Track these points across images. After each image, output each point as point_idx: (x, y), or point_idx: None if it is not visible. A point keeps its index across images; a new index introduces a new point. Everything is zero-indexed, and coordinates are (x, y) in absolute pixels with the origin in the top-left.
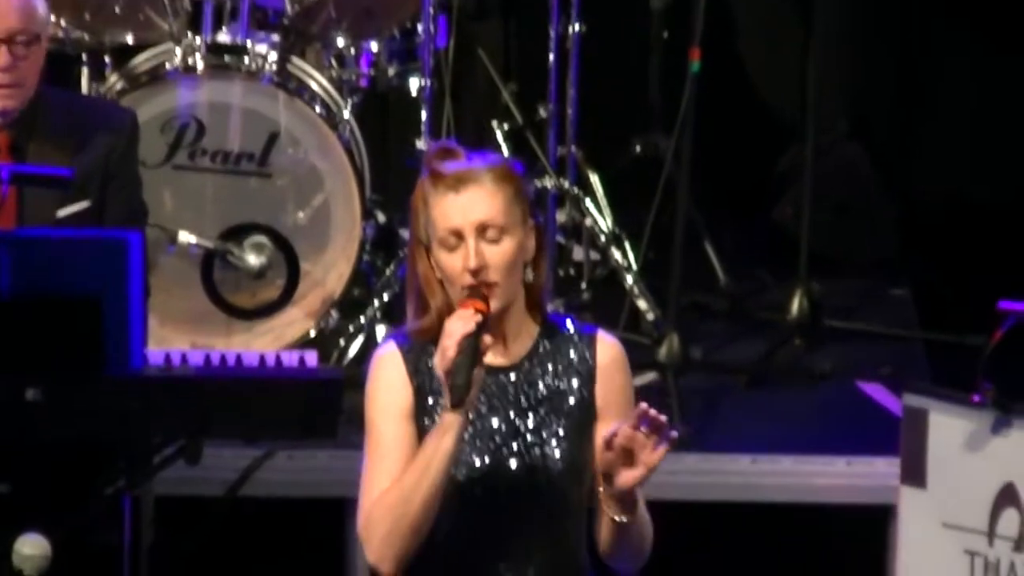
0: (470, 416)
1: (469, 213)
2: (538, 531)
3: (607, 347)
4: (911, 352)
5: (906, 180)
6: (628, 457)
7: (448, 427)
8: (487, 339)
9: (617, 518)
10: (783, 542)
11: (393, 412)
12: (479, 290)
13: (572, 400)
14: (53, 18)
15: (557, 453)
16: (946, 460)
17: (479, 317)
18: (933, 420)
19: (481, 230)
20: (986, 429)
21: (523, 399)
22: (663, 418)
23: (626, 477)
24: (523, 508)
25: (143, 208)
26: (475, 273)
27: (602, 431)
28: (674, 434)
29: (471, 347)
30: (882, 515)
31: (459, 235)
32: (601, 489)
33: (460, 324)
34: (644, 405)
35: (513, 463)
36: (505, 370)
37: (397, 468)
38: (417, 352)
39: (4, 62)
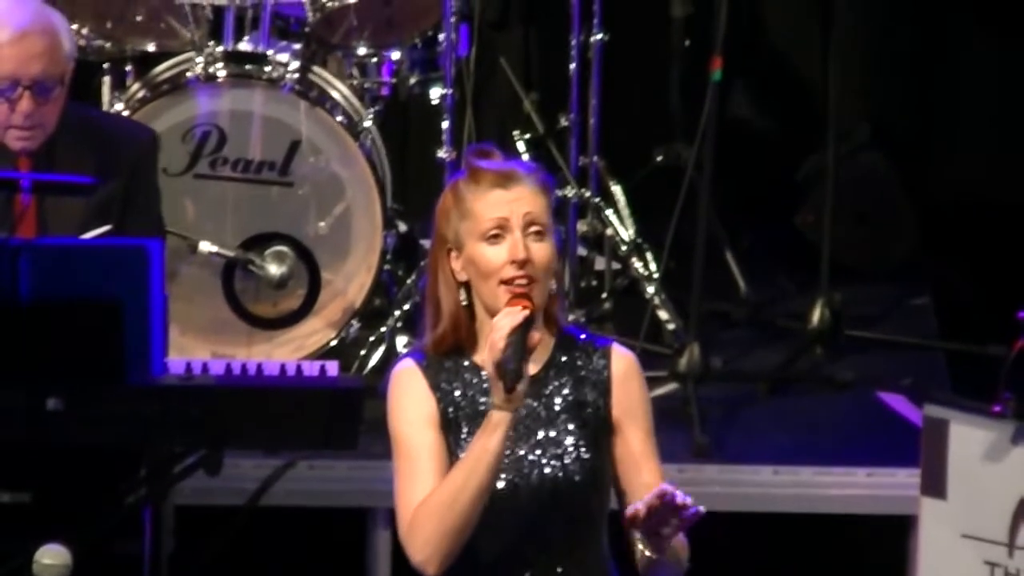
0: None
1: (517, 206)
2: (560, 540)
3: (621, 358)
4: (932, 362)
5: (927, 188)
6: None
7: (496, 426)
8: (535, 335)
9: (648, 554)
10: (804, 552)
11: (422, 422)
12: (523, 292)
13: (589, 411)
14: (75, 27)
15: (576, 464)
16: (966, 471)
17: (527, 312)
18: (953, 431)
19: (528, 224)
20: (1007, 440)
21: (542, 411)
22: (679, 500)
23: (655, 540)
24: (545, 518)
25: (161, 227)
26: (521, 265)
27: (617, 442)
28: (700, 510)
29: (519, 340)
30: (902, 526)
31: (505, 226)
32: (637, 537)
33: (508, 319)
34: (666, 487)
35: (533, 474)
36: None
37: (433, 474)
38: (435, 368)
39: (27, 108)
